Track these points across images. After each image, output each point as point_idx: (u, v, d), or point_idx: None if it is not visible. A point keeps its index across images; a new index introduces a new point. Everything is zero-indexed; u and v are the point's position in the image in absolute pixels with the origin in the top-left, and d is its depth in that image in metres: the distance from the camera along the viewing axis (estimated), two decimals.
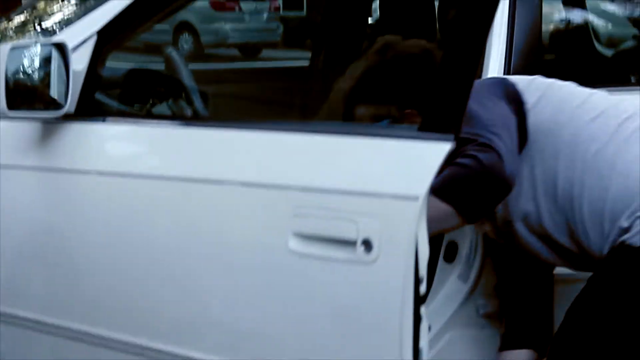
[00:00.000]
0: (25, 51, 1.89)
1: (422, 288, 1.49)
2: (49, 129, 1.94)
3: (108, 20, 1.99)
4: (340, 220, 1.55)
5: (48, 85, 1.88)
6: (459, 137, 1.55)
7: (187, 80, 2.29)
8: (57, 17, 2.45)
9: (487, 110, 1.73)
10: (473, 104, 1.70)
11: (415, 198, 1.47)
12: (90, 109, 1.94)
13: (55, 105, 1.88)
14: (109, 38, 2.01)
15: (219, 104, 2.42)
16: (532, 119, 1.81)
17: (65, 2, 2.58)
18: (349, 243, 1.54)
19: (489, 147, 1.63)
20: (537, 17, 2.30)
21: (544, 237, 1.83)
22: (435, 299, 2.11)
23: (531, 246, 1.86)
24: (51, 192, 1.95)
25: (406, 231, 1.47)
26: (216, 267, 1.73)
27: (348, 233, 1.54)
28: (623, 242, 1.69)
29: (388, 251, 1.50)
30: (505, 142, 1.67)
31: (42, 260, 1.98)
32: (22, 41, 2.27)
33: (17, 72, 1.87)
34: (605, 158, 1.74)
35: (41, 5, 2.71)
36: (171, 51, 2.42)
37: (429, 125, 1.51)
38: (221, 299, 1.73)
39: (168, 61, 2.40)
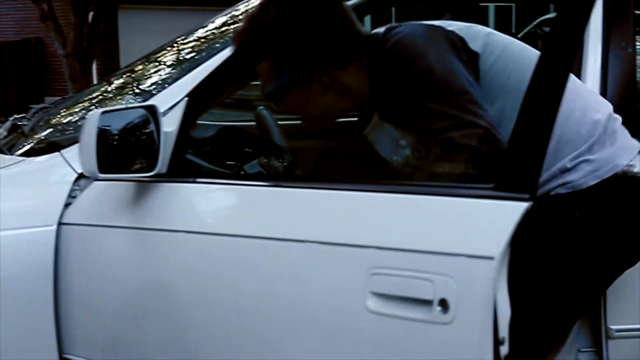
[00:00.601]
0: (116, 115, 1.97)
1: (504, 349, 1.46)
2: (142, 189, 2.00)
3: (198, 83, 2.06)
4: (417, 280, 1.55)
5: (141, 147, 1.95)
6: (435, 109, 1.67)
7: (277, 139, 2.34)
8: (153, 80, 2.54)
9: (451, 73, 1.75)
10: (433, 62, 1.76)
11: (491, 258, 1.46)
12: (181, 169, 2.00)
13: (147, 166, 1.94)
14: (200, 100, 2.07)
15: (307, 161, 2.45)
16: (480, 66, 1.83)
17: (160, 66, 2.67)
18: (425, 303, 1.54)
19: (473, 126, 1.68)
20: (631, 65, 2.26)
21: None
22: None
23: None
24: (142, 252, 2.01)
25: (483, 291, 1.46)
26: (296, 325, 1.74)
27: (424, 293, 1.54)
28: (566, 184, 1.77)
29: (465, 312, 1.49)
30: (482, 107, 1.71)
31: (136, 317, 2.03)
32: (113, 106, 2.36)
33: (112, 135, 1.93)
34: None
35: (138, 68, 2.80)
36: (262, 109, 2.47)
37: (504, 185, 1.50)
38: (301, 358, 1.73)
39: (259, 120, 2.44)
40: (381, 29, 1.98)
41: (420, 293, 1.54)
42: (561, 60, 1.48)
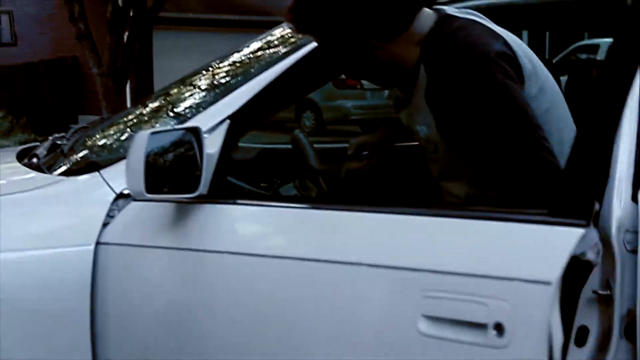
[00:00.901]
0: (163, 136, 1.98)
1: None
2: (182, 210, 2.00)
3: (240, 105, 2.07)
4: (471, 303, 1.54)
5: (183, 169, 1.95)
6: (502, 125, 1.72)
7: (314, 162, 2.34)
8: (189, 103, 2.55)
9: (523, 98, 1.79)
10: (508, 82, 1.77)
11: (548, 283, 1.45)
12: (222, 190, 2.00)
13: (189, 187, 1.95)
14: (241, 122, 2.08)
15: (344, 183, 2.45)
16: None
17: (196, 89, 2.68)
18: (480, 326, 1.52)
19: (539, 153, 1.72)
20: None
21: None
22: None
23: None
24: (182, 272, 2.00)
25: (539, 316, 1.45)
26: (345, 348, 1.72)
27: (479, 316, 1.53)
28: None
29: (520, 336, 1.48)
30: (546, 137, 1.75)
31: (174, 337, 2.02)
32: (161, 127, 2.37)
33: (156, 156, 1.94)
34: None
35: (174, 91, 2.82)
36: (298, 133, 2.47)
37: (560, 210, 1.50)
38: None
39: (295, 143, 2.45)
40: (461, 15, 1.95)
41: (475, 316, 1.53)
42: (621, 79, 1.48)
